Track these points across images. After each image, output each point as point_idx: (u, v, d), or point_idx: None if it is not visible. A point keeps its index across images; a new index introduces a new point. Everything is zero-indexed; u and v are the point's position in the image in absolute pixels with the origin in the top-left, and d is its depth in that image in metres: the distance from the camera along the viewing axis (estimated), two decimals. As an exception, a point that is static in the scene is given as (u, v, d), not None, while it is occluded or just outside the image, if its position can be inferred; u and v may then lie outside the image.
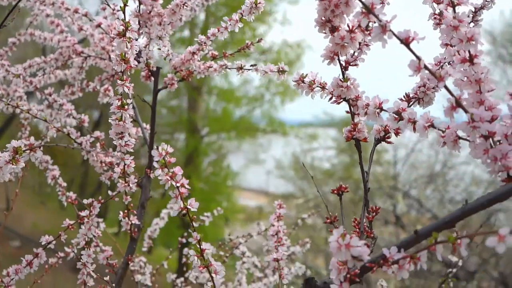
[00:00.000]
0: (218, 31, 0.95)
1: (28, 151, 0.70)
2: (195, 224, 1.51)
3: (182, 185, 0.66)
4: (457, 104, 0.54)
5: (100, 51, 1.23)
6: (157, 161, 0.65)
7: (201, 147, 11.41)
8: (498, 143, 0.55)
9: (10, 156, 0.70)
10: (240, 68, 1.00)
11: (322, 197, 0.92)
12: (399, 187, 5.87)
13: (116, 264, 1.06)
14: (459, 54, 0.57)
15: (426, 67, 0.53)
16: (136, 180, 0.95)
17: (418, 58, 0.53)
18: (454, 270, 1.13)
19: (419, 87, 0.72)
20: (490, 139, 0.55)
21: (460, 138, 0.57)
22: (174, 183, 0.66)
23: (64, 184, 1.16)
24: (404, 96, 0.72)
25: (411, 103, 0.72)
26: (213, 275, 0.68)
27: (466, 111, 0.54)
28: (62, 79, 1.40)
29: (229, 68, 1.01)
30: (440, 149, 7.68)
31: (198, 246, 0.68)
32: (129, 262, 1.04)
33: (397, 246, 0.54)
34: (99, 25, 1.14)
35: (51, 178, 1.16)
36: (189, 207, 0.66)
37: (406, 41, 0.53)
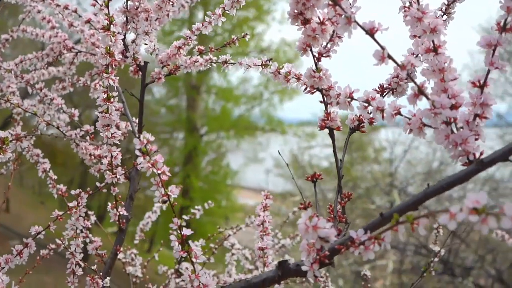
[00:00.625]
0: (203, 25, 0.98)
1: (14, 141, 0.72)
2: (186, 217, 1.53)
3: (163, 173, 0.68)
4: (420, 91, 0.56)
5: (90, 47, 1.25)
6: (139, 149, 0.67)
7: (200, 146, 11.46)
8: (461, 129, 0.58)
9: (-2, 146, 0.72)
10: (225, 62, 1.02)
11: (301, 190, 0.94)
12: (395, 184, 5.90)
13: (105, 255, 1.09)
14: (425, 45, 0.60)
15: (389, 57, 0.56)
16: (123, 172, 0.97)
17: (382, 48, 0.56)
18: (436, 259, 1.15)
19: (393, 77, 0.74)
20: (453, 125, 0.57)
21: (425, 125, 0.59)
22: (155, 171, 0.68)
23: (55, 177, 1.18)
24: (378, 87, 0.75)
25: (384, 93, 0.74)
26: (193, 259, 0.71)
27: (428, 98, 0.56)
28: (55, 76, 1.43)
29: (215, 63, 1.04)
30: (437, 147, 7.71)
31: (179, 231, 0.71)
32: (118, 252, 1.07)
33: (364, 228, 0.57)
34: (88, 21, 1.16)
35: (41, 171, 1.18)
36: (169, 193, 0.69)
37: (370, 32, 0.55)
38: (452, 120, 0.56)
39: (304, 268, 0.59)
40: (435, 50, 0.59)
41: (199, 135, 11.62)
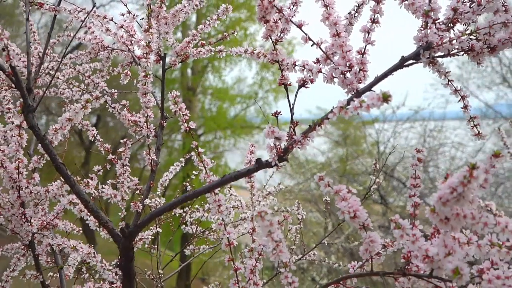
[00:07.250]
0: (204, 26, 1.45)
1: (94, 100, 1.19)
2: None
3: (186, 114, 1.15)
4: (327, 57, 1.03)
5: (121, 45, 1.71)
6: (170, 100, 1.14)
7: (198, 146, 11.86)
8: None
9: (83, 104, 1.19)
10: (221, 51, 1.49)
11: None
12: (382, 168, 6.38)
13: (142, 189, 1.55)
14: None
15: (309, 39, 1.02)
16: (154, 127, 1.44)
17: (306, 34, 1.02)
18: (375, 186, 1.61)
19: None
20: (348, 75, 1.04)
21: (334, 76, 1.06)
22: (181, 113, 1.15)
23: (101, 140, 1.65)
24: (315, 59, 1.21)
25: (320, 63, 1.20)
26: (206, 166, 1.17)
27: (331, 61, 1.03)
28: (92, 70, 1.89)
29: (213, 52, 1.51)
30: (427, 136, 8.23)
31: (197, 150, 1.17)
32: (151, 186, 1.53)
33: (301, 134, 1.03)
34: (121, 26, 1.62)
35: (91, 136, 1.64)
36: (190, 126, 1.15)
37: (299, 26, 1.02)
38: (346, 72, 1.03)
39: (269, 160, 1.06)
40: (337, 34, 1.06)
41: (197, 136, 12.08)
